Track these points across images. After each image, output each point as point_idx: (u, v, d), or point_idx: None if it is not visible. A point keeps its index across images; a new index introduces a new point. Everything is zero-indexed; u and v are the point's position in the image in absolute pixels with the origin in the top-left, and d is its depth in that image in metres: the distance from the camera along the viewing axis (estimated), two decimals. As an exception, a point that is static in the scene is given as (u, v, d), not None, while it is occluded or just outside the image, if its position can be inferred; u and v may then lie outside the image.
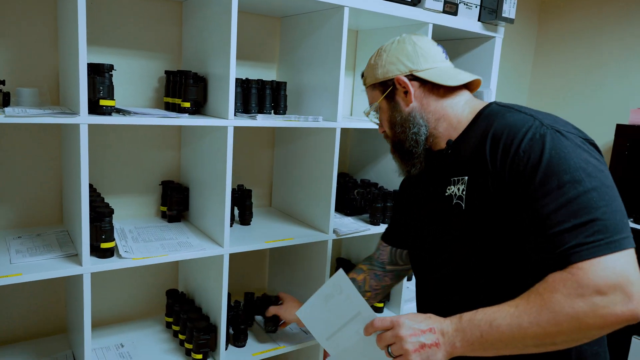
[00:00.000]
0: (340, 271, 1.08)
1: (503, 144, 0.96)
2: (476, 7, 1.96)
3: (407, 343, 0.94)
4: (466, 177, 1.02)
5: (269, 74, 2.02)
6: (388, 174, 2.08)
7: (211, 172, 1.60)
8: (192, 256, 1.50)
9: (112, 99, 1.34)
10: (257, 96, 1.69)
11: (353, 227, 1.85)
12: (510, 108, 1.05)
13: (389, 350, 0.97)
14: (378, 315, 1.04)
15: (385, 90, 1.18)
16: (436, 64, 1.16)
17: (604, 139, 2.46)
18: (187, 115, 1.50)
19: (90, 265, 1.33)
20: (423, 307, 1.25)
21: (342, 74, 1.66)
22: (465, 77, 1.15)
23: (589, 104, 2.58)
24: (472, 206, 1.01)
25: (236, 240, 1.61)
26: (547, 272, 0.87)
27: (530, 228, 0.90)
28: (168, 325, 1.81)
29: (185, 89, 1.55)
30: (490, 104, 1.11)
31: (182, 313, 1.68)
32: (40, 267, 1.30)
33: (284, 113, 1.77)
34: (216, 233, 1.58)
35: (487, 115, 1.07)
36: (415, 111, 1.15)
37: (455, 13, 1.90)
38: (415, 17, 1.78)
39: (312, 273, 1.83)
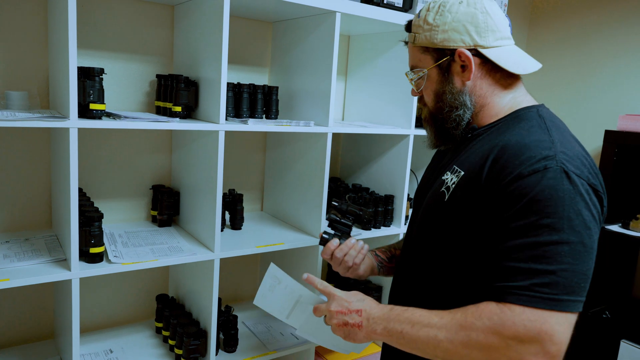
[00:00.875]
0: (272, 265, 1.22)
1: (505, 161, 0.90)
2: (467, 13, 1.97)
3: (333, 318, 1.04)
4: (462, 173, 0.98)
5: (260, 79, 2.02)
6: (379, 178, 2.09)
7: (202, 177, 1.59)
8: (183, 261, 1.49)
9: (103, 102, 1.33)
10: (249, 100, 1.69)
11: (344, 231, 1.85)
12: (542, 120, 0.97)
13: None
14: (318, 295, 1.20)
15: (440, 59, 1.04)
16: (503, 42, 1.03)
17: (593, 144, 2.48)
18: (177, 119, 1.49)
19: (79, 270, 1.32)
20: (392, 290, 1.24)
21: (334, 79, 1.66)
22: (531, 66, 1.04)
23: (578, 110, 2.60)
24: (453, 203, 0.98)
25: (227, 245, 1.61)
26: (486, 296, 0.87)
27: (491, 250, 0.89)
28: (158, 331, 1.79)
29: (176, 93, 1.55)
30: (532, 107, 1.02)
31: (172, 318, 1.67)
32: (28, 272, 1.29)
33: (276, 117, 1.77)
34: (207, 238, 1.57)
35: (519, 119, 0.99)
36: (467, 91, 1.04)
37: (446, 19, 1.92)
38: (406, 23, 1.79)
39: (303, 276, 1.82)
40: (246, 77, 1.97)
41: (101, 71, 1.33)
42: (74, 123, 1.24)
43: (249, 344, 1.77)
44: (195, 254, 1.51)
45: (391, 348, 1.07)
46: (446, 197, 0.99)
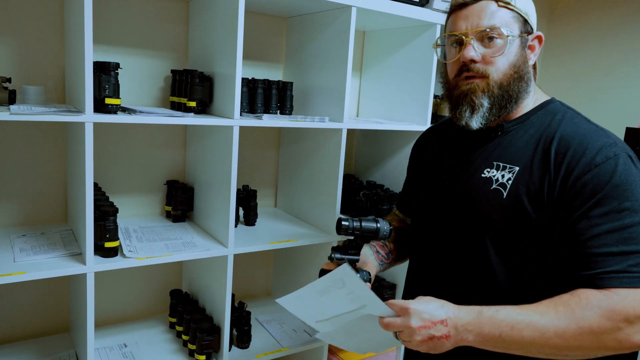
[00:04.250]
0: (346, 266, 0.93)
1: (573, 151, 0.93)
2: (484, 8, 1.94)
3: (416, 334, 0.91)
4: (517, 168, 0.99)
5: (275, 74, 2.01)
6: (394, 175, 2.07)
7: (216, 172, 1.59)
8: (196, 256, 1.49)
9: (118, 97, 1.33)
10: (263, 96, 1.68)
11: (358, 228, 1.83)
12: (576, 113, 1.03)
13: (397, 335, 0.96)
14: (387, 307, 0.96)
15: (523, 32, 1.04)
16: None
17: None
18: (192, 114, 1.49)
19: (93, 264, 1.32)
20: (415, 283, 1.21)
21: (349, 75, 1.64)
22: None
23: (599, 107, 2.55)
24: (515, 199, 0.97)
25: (241, 241, 1.60)
26: (575, 286, 0.89)
27: (575, 240, 0.91)
28: (171, 326, 1.80)
29: (191, 89, 1.54)
30: (553, 99, 1.08)
31: (185, 314, 1.67)
32: (43, 265, 1.29)
33: (290, 113, 1.76)
34: (221, 233, 1.57)
35: (552, 112, 1.04)
36: (531, 72, 1.07)
37: (463, 14, 1.89)
38: (423, 18, 1.77)
39: (317, 274, 1.81)
40: (261, 72, 1.97)
41: (117, 66, 1.33)
42: (89, 117, 1.24)
43: (262, 340, 1.76)
44: (209, 249, 1.51)
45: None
46: (504, 195, 0.98)
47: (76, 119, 1.23)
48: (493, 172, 1.02)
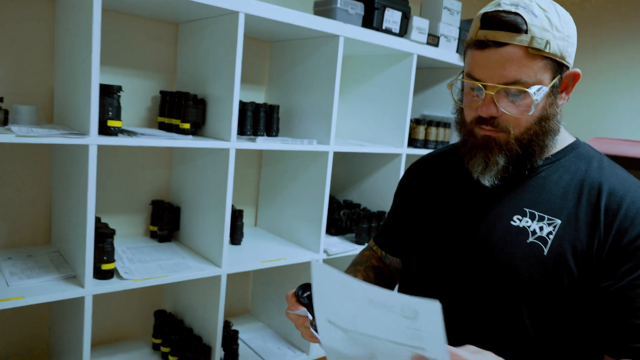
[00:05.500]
0: (435, 303, 0.67)
1: (626, 210, 0.85)
2: (455, 40, 2.09)
3: None
4: (558, 221, 0.88)
5: (257, 96, 2.05)
6: (370, 195, 2.15)
7: (208, 193, 1.61)
8: (191, 277, 1.50)
9: (120, 119, 1.34)
10: (252, 119, 1.73)
11: (341, 247, 1.90)
12: (611, 161, 0.95)
13: None
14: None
15: (555, 75, 0.88)
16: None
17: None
18: (191, 137, 1.51)
19: (92, 287, 1.31)
20: None
21: (336, 100, 1.72)
22: None
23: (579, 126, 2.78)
24: (559, 257, 0.86)
25: (231, 261, 1.62)
26: (609, 354, 0.85)
27: (626, 308, 0.83)
28: (155, 347, 1.78)
29: (185, 110, 1.56)
30: (578, 140, 0.98)
31: (173, 334, 1.67)
32: (40, 289, 1.27)
33: (276, 135, 1.81)
34: (213, 253, 1.59)
35: (585, 156, 0.94)
36: (560, 117, 0.93)
37: (436, 45, 2.02)
38: (401, 48, 1.88)
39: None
40: (243, 94, 2.01)
41: (119, 89, 1.34)
42: (94, 140, 1.24)
43: (249, 358, 1.78)
44: (204, 269, 1.53)
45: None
46: (545, 251, 0.87)
47: (81, 141, 1.22)
48: (527, 222, 0.90)
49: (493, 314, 0.92)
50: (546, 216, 0.89)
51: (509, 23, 0.83)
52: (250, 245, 1.86)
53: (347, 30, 1.69)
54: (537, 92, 0.85)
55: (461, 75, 0.93)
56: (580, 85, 2.70)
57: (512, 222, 0.91)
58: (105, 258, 1.35)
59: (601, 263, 0.85)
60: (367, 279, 1.12)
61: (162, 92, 1.68)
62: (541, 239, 0.88)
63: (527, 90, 0.84)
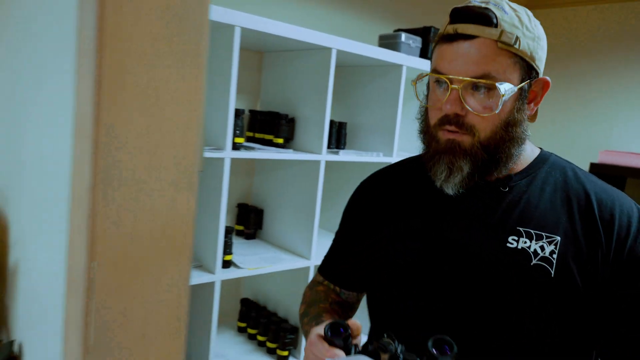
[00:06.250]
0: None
1: (619, 219, 0.83)
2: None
3: None
4: (558, 238, 0.83)
5: (320, 113, 2.36)
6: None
7: (297, 197, 1.91)
8: (288, 267, 1.80)
9: (243, 137, 1.63)
10: (333, 134, 2.03)
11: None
12: (578, 167, 0.94)
13: None
14: None
15: (526, 79, 0.84)
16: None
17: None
18: (291, 150, 1.81)
19: (220, 274, 1.60)
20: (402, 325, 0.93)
21: (400, 116, 2.03)
22: None
23: (565, 144, 3.13)
24: (567, 277, 0.82)
25: (315, 255, 1.92)
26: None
27: (630, 320, 0.82)
28: (240, 330, 2.06)
29: (278, 127, 1.86)
30: (543, 149, 0.95)
31: (262, 318, 1.96)
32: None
33: (344, 148, 2.12)
34: (301, 248, 1.89)
35: (556, 166, 0.92)
36: (526, 125, 0.88)
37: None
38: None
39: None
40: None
41: (243, 112, 1.63)
42: (229, 154, 1.54)
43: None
44: (297, 261, 1.82)
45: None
46: (552, 272, 0.82)
47: (220, 154, 1.52)
48: (525, 242, 0.84)
49: (493, 339, 0.85)
50: (544, 234, 0.84)
51: (478, 15, 0.80)
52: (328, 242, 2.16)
53: (409, 61, 2.01)
54: (505, 90, 0.80)
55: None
56: (588, 98, 3.02)
57: (509, 244, 0.85)
58: (227, 250, 1.64)
59: (608, 274, 0.82)
60: (338, 314, 1.00)
61: (251, 111, 1.98)
62: (546, 260, 0.83)
63: (495, 84, 0.80)
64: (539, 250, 0.83)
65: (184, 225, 0.81)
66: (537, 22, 0.86)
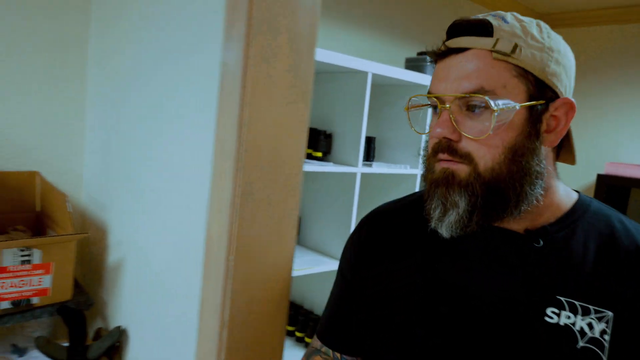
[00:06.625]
0: None
1: None
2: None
3: None
4: (610, 314, 0.67)
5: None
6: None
7: (333, 206, 2.10)
8: (328, 269, 1.98)
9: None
10: (366, 149, 2.23)
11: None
12: (624, 215, 0.77)
13: None
14: None
15: (538, 98, 0.70)
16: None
17: (586, 185, 3.21)
18: (331, 164, 2.01)
19: (271, 274, 1.79)
20: None
21: (426, 130, 2.22)
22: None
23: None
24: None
25: (349, 258, 2.11)
26: None
27: None
28: (278, 328, 2.25)
29: (317, 142, 2.06)
30: (580, 193, 0.80)
31: (299, 316, 2.14)
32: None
33: (373, 161, 2.31)
34: (338, 253, 2.07)
35: (601, 214, 0.75)
36: (546, 158, 0.73)
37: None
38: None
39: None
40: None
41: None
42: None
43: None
44: (335, 264, 2.01)
45: None
46: (604, 357, 0.67)
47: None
48: (569, 317, 0.68)
49: None
50: (591, 307, 0.68)
51: (472, 26, 0.70)
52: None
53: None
54: (499, 105, 0.67)
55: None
56: (597, 112, 3.23)
57: (548, 319, 0.69)
58: (277, 253, 1.83)
59: None
60: None
61: (292, 127, 2.17)
62: (596, 342, 0.67)
63: (485, 94, 0.67)
64: (586, 329, 0.68)
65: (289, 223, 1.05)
66: (555, 35, 0.73)
